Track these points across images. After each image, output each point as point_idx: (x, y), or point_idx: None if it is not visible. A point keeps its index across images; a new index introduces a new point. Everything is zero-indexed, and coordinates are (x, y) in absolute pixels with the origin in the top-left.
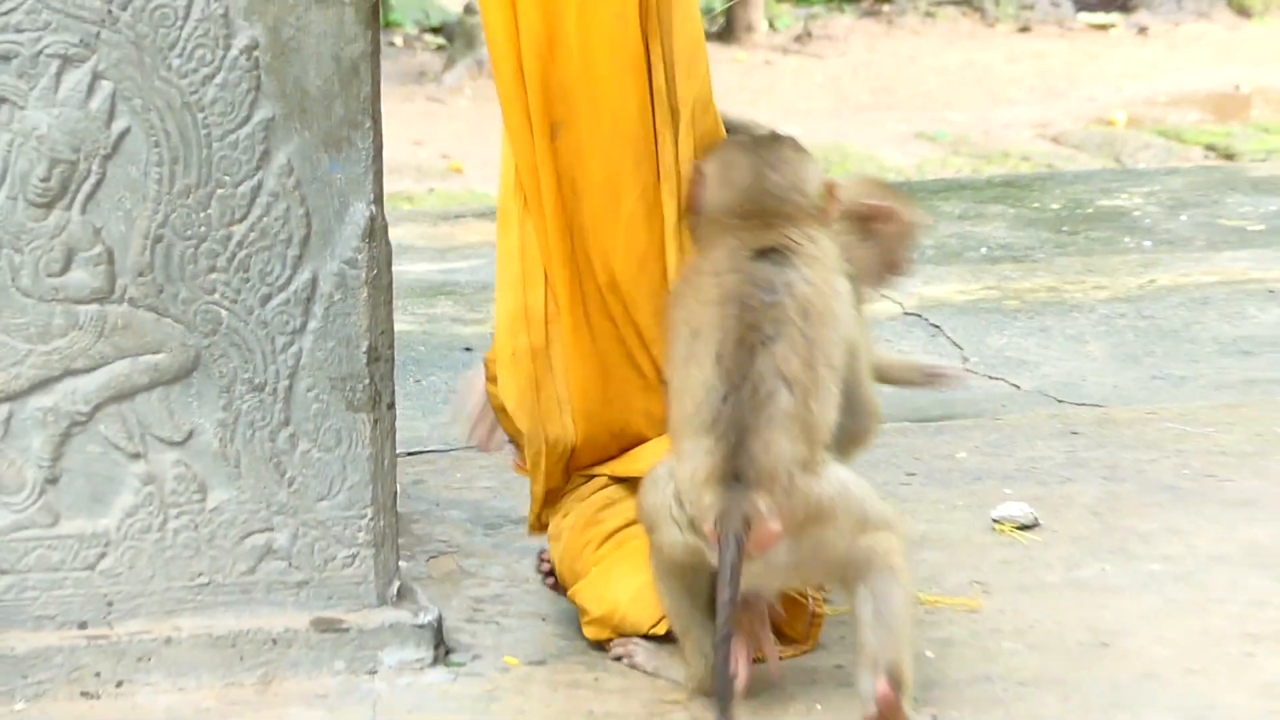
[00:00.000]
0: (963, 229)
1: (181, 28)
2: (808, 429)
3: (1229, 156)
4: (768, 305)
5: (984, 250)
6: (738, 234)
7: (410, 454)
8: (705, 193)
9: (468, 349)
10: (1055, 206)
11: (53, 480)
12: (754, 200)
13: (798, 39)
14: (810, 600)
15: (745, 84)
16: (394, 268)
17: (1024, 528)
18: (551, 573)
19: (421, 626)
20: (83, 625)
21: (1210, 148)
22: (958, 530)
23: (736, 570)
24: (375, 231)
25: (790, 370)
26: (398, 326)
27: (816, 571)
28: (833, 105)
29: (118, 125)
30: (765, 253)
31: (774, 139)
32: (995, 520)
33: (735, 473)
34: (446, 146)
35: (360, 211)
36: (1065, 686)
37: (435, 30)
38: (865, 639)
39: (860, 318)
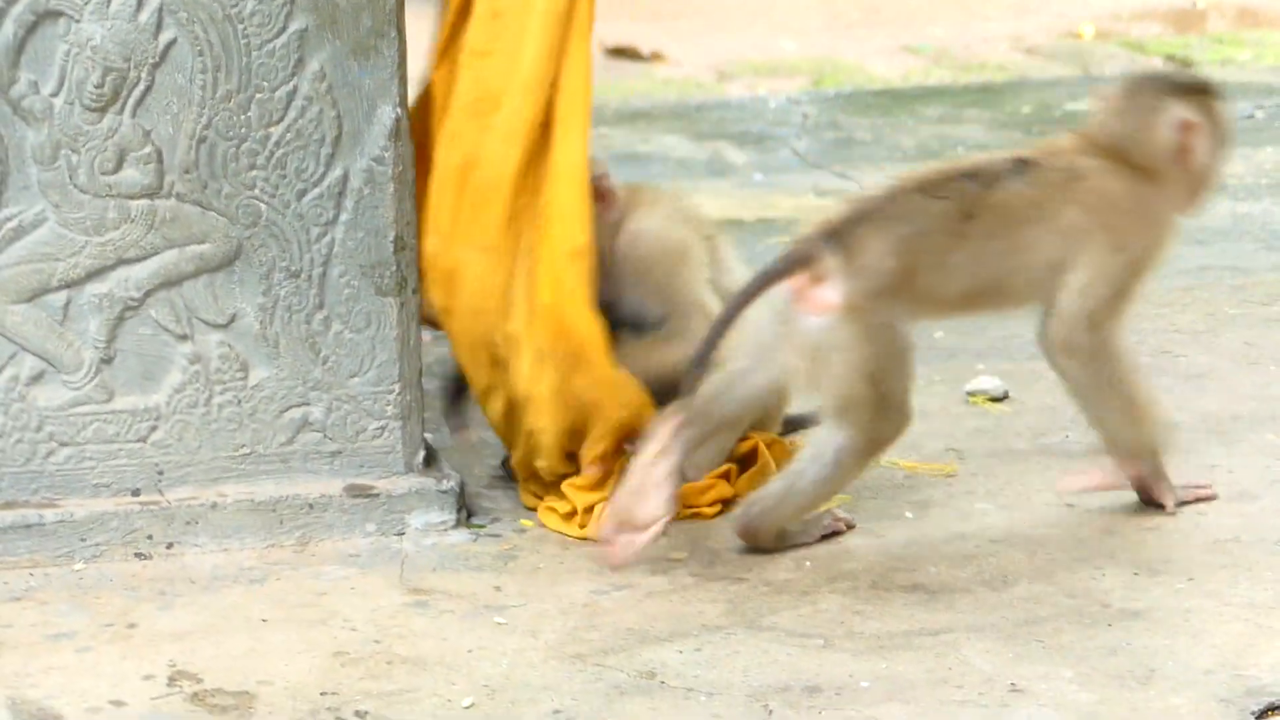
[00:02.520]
0: (942, 130)
1: None
2: None
3: (1186, 65)
4: None
5: (961, 150)
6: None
7: (435, 335)
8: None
9: None
10: (1026, 110)
11: (108, 360)
12: (1107, 134)
13: None
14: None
15: (745, 5)
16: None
17: (995, 400)
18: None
19: (445, 492)
20: (136, 492)
21: (1170, 58)
22: (935, 402)
23: None
24: (400, 132)
25: None
26: None
27: None
28: (825, 23)
29: (165, 36)
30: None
31: (1150, 87)
32: (969, 393)
33: None
34: None
35: (387, 114)
36: (1032, 543)
37: None
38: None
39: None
